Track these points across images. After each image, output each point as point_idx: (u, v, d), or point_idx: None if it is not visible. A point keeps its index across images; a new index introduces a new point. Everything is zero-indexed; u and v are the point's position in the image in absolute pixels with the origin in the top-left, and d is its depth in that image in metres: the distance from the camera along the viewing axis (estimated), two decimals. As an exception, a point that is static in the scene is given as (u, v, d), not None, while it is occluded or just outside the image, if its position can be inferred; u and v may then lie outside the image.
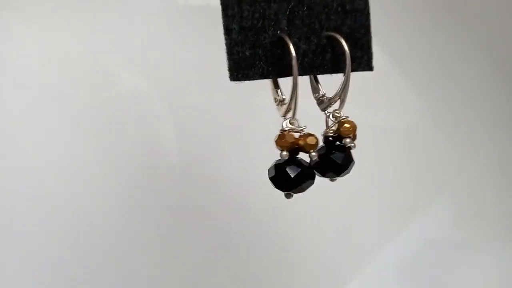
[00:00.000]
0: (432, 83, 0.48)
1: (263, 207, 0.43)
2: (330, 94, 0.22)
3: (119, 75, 0.40)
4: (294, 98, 0.20)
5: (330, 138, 0.22)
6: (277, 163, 0.21)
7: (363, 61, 0.22)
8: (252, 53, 0.19)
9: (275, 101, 0.21)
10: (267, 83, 0.21)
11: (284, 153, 0.20)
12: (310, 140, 0.20)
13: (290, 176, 0.20)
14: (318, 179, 0.22)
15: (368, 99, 0.46)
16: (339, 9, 0.22)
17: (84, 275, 0.39)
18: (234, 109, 0.39)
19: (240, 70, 0.19)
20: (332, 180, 0.22)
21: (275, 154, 0.23)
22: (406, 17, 0.48)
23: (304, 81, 0.22)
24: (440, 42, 0.48)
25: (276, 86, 0.21)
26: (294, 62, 0.19)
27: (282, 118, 0.21)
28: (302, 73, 0.21)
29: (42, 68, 0.38)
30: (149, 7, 0.41)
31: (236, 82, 0.19)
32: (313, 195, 0.44)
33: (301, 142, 0.20)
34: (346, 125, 0.21)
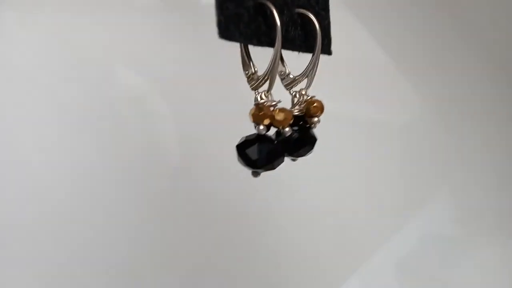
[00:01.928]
0: (430, 80, 0.49)
1: (263, 207, 0.42)
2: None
3: (119, 74, 0.38)
4: (274, 70, 0.19)
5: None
6: (249, 138, 0.19)
7: (324, 45, 0.23)
8: (238, 13, 0.18)
9: (246, 74, 0.20)
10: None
11: (262, 127, 0.19)
12: (287, 115, 0.19)
13: (263, 153, 0.19)
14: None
15: (366, 96, 0.46)
16: (306, -12, 0.22)
17: (84, 276, 0.37)
18: (236, 108, 0.37)
19: (229, 27, 0.17)
20: (293, 160, 0.22)
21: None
22: (404, 15, 0.48)
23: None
24: (438, 39, 0.49)
25: (248, 57, 0.20)
26: (279, 29, 0.18)
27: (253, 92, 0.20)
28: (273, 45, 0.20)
29: (40, 68, 0.36)
30: (149, 5, 0.39)
31: (224, 40, 0.17)
32: (310, 192, 0.44)
33: (277, 117, 0.19)
34: (315, 104, 0.21)
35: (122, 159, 0.38)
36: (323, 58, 0.24)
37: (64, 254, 0.37)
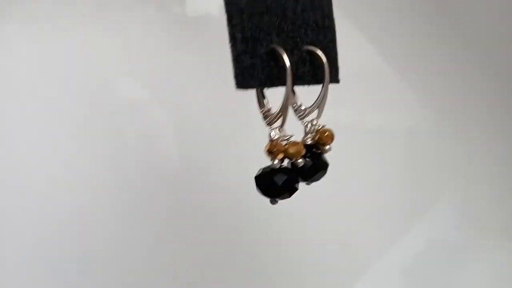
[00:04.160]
0: (431, 87, 0.49)
1: (264, 211, 0.42)
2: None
3: (118, 83, 0.39)
4: (285, 109, 0.21)
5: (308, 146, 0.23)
6: (265, 170, 0.21)
7: (332, 74, 0.24)
8: (253, 63, 0.20)
9: (261, 111, 0.22)
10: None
11: (276, 162, 0.21)
12: (298, 149, 0.21)
13: (278, 184, 0.21)
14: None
15: (370, 102, 0.47)
16: (314, 25, 0.23)
17: (84, 280, 0.39)
18: (234, 115, 0.39)
19: (245, 78, 0.19)
20: (308, 184, 0.24)
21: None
22: (404, 21, 0.48)
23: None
24: (439, 45, 0.49)
25: (263, 96, 0.22)
26: (289, 72, 0.20)
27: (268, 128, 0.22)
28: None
29: (40, 78, 0.37)
30: (147, 16, 0.40)
31: (241, 90, 0.19)
32: (316, 198, 0.43)
33: (290, 150, 0.21)
34: (327, 133, 0.23)
35: (121, 168, 0.39)
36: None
37: (61, 259, 0.38)
